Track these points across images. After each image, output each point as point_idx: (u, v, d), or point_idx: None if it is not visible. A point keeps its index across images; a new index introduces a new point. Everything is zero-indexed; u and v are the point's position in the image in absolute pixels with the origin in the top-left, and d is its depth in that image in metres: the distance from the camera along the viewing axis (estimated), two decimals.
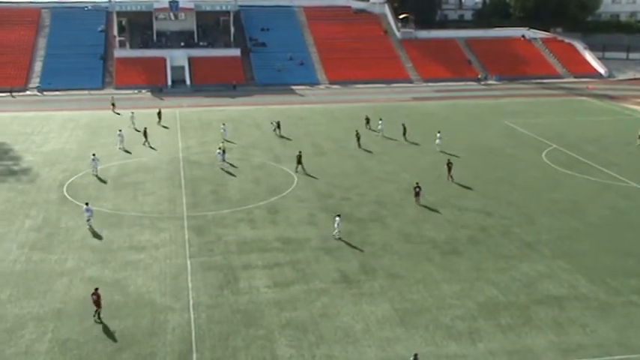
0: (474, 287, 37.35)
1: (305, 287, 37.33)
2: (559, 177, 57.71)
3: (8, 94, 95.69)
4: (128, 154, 64.24)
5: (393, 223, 46.74)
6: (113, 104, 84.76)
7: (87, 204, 46.55)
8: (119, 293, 36.35)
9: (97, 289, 34.08)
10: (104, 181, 55.95)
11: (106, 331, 32.86)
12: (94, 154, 58.51)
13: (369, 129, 73.51)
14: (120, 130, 67.50)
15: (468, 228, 45.95)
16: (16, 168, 59.78)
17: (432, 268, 39.82)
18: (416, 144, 68.07)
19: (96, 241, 43.67)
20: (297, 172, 58.00)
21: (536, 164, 61.53)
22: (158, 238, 44.06)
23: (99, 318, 33.64)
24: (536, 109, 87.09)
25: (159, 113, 77.24)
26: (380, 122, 72.61)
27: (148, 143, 67.32)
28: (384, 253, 41.76)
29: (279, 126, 72.34)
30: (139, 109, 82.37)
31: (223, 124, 72.02)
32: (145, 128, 69.16)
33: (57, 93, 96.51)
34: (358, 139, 66.91)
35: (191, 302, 35.62)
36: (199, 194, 52.81)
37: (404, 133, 69.69)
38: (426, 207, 49.89)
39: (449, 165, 56.42)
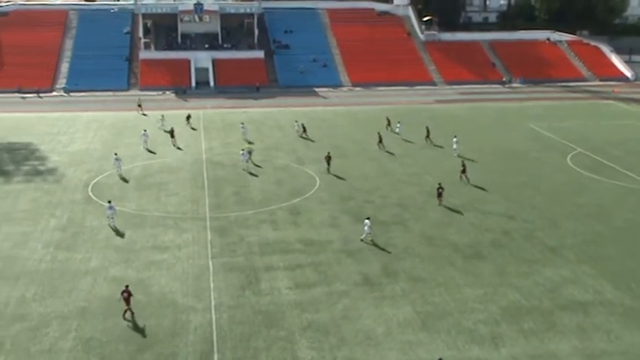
0: (496, 292, 37.12)
1: (326, 289, 37.33)
2: (584, 181, 57.19)
3: (35, 94, 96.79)
4: (152, 154, 64.70)
5: (415, 226, 46.59)
6: (140, 105, 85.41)
7: (109, 202, 47.13)
8: (142, 293, 36.57)
9: (127, 287, 34.49)
10: (127, 181, 56.43)
11: (129, 330, 33.11)
12: (116, 154, 59.14)
13: (391, 130, 73.38)
14: (145, 130, 68.04)
15: (491, 232, 45.68)
16: (42, 168, 60.44)
17: (454, 271, 39.63)
18: (439, 146, 67.76)
19: (120, 240, 44.03)
20: (328, 172, 58.27)
21: (561, 168, 61.01)
22: (181, 239, 44.32)
23: (131, 317, 33.98)
24: (561, 113, 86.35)
25: (188, 117, 77.46)
26: (398, 125, 72.58)
27: (175, 142, 67.86)
28: (406, 256, 41.64)
29: (304, 129, 72.45)
30: (163, 110, 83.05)
31: (242, 124, 72.55)
32: (172, 128, 69.74)
33: (83, 94, 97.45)
34: (380, 140, 66.87)
35: (213, 303, 35.78)
36: (222, 195, 53.04)
37: (427, 136, 69.43)
38: (449, 210, 49.70)
39: (463, 167, 56.68)
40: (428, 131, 69.70)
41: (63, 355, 31.04)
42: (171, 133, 68.92)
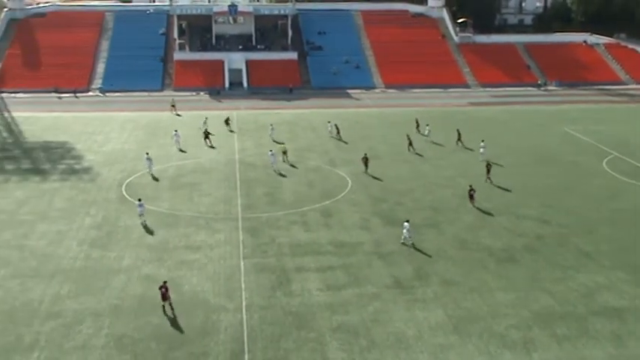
0: (529, 296, 36.74)
1: (357, 291, 37.27)
2: (620, 186, 56.32)
3: (72, 94, 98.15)
4: (185, 154, 65.13)
5: (448, 229, 46.29)
6: (173, 105, 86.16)
7: (139, 200, 48.07)
8: (174, 292, 36.81)
9: (165, 282, 35.29)
10: (157, 180, 56.96)
11: (161, 328, 33.40)
12: (147, 154, 59.80)
13: (420, 133, 72.92)
14: (176, 131, 68.65)
15: (524, 236, 45.22)
16: (77, 167, 61.24)
17: (487, 275, 39.31)
18: (470, 149, 67.11)
19: (153, 239, 44.44)
20: (365, 173, 58.53)
21: (597, 172, 60.18)
22: (213, 239, 44.59)
23: (171, 309, 34.82)
24: (598, 116, 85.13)
25: (227, 121, 77.77)
26: (427, 127, 72.04)
27: (210, 143, 68.67)
28: (438, 259, 41.40)
29: (338, 130, 72.45)
30: (199, 110, 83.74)
31: (271, 125, 73.02)
32: (206, 129, 70.32)
33: (118, 94, 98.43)
34: (410, 143, 66.62)
35: (244, 303, 35.93)
36: (254, 196, 53.24)
37: (459, 139, 68.89)
38: (482, 213, 49.33)
39: (488, 167, 57.04)
40: (459, 135, 69.19)
41: (96, 351, 31.42)
42: (206, 134, 69.47)
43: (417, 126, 74.55)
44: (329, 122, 74.79)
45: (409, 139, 67.23)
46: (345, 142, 70.26)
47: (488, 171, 56.59)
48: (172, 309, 34.86)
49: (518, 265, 40.78)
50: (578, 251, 42.75)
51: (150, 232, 45.78)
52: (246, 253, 42.27)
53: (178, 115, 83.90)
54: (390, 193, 53.94)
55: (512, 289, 37.64)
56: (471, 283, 38.33)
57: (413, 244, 43.21)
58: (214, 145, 68.25)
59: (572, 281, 38.55)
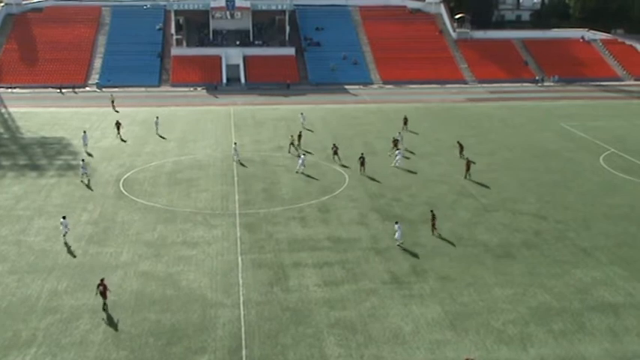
0: (526, 292, 36.82)
1: (354, 287, 37.32)
2: (617, 182, 56.42)
3: (71, 89, 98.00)
4: (180, 150, 65.10)
5: (444, 225, 46.30)
6: (112, 101, 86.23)
7: (64, 217, 44.07)
8: (171, 288, 36.92)
9: (102, 280, 35.04)
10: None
11: (158, 324, 33.40)
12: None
13: (408, 131, 72.43)
14: (84, 132, 67.71)
15: (522, 232, 45.30)
16: (74, 163, 61.10)
17: (483, 271, 39.39)
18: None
19: (150, 235, 44.41)
20: (361, 173, 57.44)
21: (594, 168, 60.27)
22: (210, 235, 44.60)
23: (104, 309, 34.61)
24: (595, 112, 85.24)
25: (117, 124, 72.36)
26: (399, 133, 68.13)
27: (120, 136, 70.11)
28: (434, 255, 41.46)
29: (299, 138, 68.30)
30: (194, 106, 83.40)
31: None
32: (117, 121, 72.11)
33: (115, 89, 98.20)
34: (395, 145, 64.28)
35: (241, 299, 35.96)
36: (251, 192, 53.24)
37: (461, 151, 63.65)
38: (479, 209, 49.40)
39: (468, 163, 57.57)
40: (461, 147, 63.89)
41: (93, 347, 31.43)
42: (117, 125, 71.13)
43: (405, 123, 74.01)
44: (301, 114, 76.27)
45: (395, 141, 64.97)
46: (342, 138, 70.01)
47: (468, 168, 56.90)
48: (106, 308, 34.51)
49: (515, 260, 40.87)
50: (575, 247, 42.86)
51: (69, 250, 42.28)
52: (244, 249, 42.30)
53: (117, 111, 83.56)
54: (387, 189, 53.98)
55: (509, 284, 37.73)
56: (467, 278, 38.40)
57: (401, 244, 42.68)
58: (209, 142, 68.09)
59: (568, 277, 38.65)
